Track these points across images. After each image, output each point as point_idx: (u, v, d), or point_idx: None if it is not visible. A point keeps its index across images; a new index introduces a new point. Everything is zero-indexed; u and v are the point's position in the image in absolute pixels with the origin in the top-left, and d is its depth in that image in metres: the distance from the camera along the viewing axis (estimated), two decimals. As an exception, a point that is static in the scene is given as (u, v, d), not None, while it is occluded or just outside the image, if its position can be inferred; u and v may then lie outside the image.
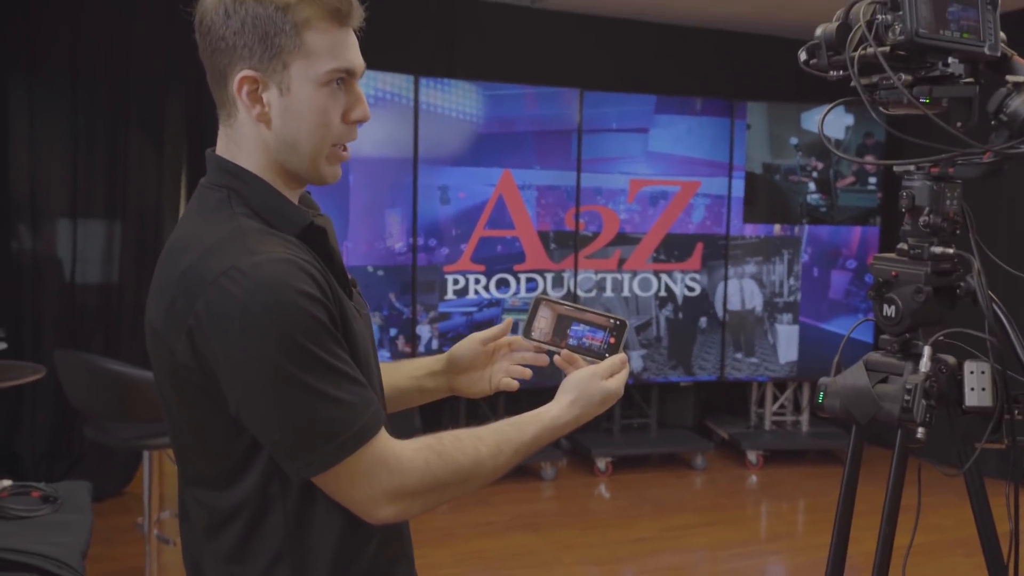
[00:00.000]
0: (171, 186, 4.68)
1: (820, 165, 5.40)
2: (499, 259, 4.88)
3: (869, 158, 5.41)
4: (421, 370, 1.49)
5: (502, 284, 4.90)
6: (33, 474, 4.18)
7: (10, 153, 4.38)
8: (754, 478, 5.27)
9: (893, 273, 1.45)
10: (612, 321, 1.32)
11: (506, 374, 1.45)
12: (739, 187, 5.31)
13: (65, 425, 4.48)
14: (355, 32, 1.20)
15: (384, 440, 1.16)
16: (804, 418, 5.72)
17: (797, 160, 5.38)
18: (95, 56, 4.45)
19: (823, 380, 1.49)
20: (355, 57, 1.19)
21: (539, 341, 1.36)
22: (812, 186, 5.41)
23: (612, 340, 1.31)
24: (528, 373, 1.45)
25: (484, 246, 4.84)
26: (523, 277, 4.95)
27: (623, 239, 5.14)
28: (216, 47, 1.15)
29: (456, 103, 4.71)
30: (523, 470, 5.12)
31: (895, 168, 1.44)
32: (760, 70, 5.71)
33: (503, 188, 4.85)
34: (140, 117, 4.58)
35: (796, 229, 5.43)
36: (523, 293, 4.95)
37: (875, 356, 1.48)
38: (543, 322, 1.35)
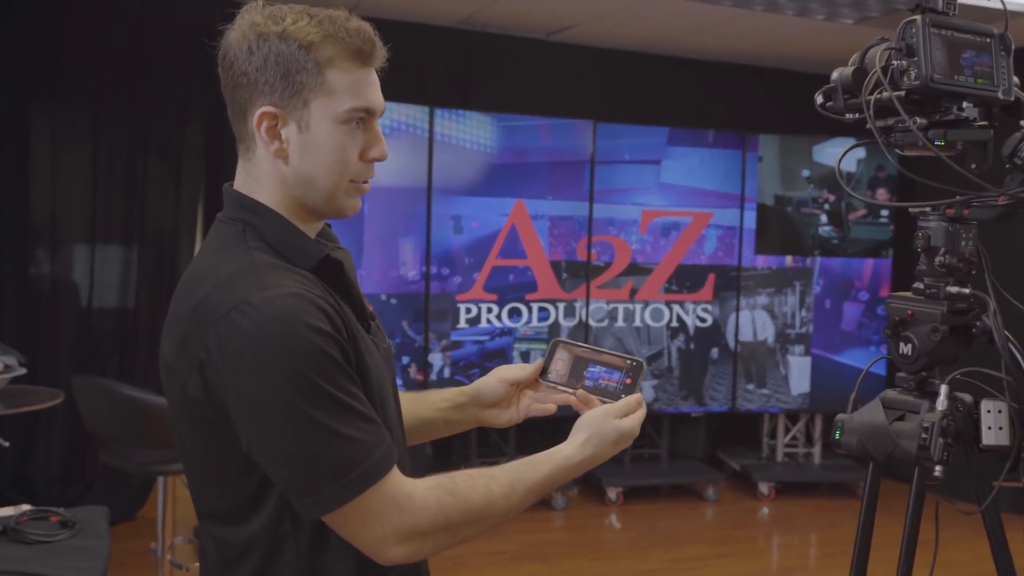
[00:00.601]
0: (188, 214, 4.72)
1: (832, 197, 5.41)
2: (511, 288, 4.90)
3: (884, 197, 5.41)
4: (446, 402, 1.45)
5: (514, 313, 4.92)
6: (47, 497, 4.19)
7: (31, 180, 4.42)
8: (766, 510, 5.24)
9: (909, 312, 1.46)
10: (628, 362, 1.30)
11: (533, 404, 1.41)
12: (751, 219, 5.32)
13: (79, 449, 4.49)
14: (377, 72, 1.20)
15: (395, 479, 1.13)
16: (816, 450, 5.69)
17: (809, 192, 5.39)
18: (116, 87, 4.50)
19: (840, 417, 1.49)
20: (375, 97, 1.19)
21: (555, 383, 1.34)
22: (824, 218, 5.42)
23: (628, 381, 1.29)
24: (552, 409, 1.41)
25: (496, 275, 4.86)
26: (535, 306, 4.96)
27: (635, 269, 5.15)
28: (238, 82, 1.16)
29: (470, 134, 4.76)
30: (534, 500, 5.11)
31: (911, 210, 1.46)
32: (772, 103, 5.75)
33: (516, 218, 4.87)
34: (159, 146, 4.62)
35: (808, 261, 5.43)
36: (535, 322, 4.96)
37: (892, 394, 1.49)
38: (560, 364, 1.34)
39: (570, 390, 1.32)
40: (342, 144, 1.16)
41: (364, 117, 1.18)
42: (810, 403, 5.48)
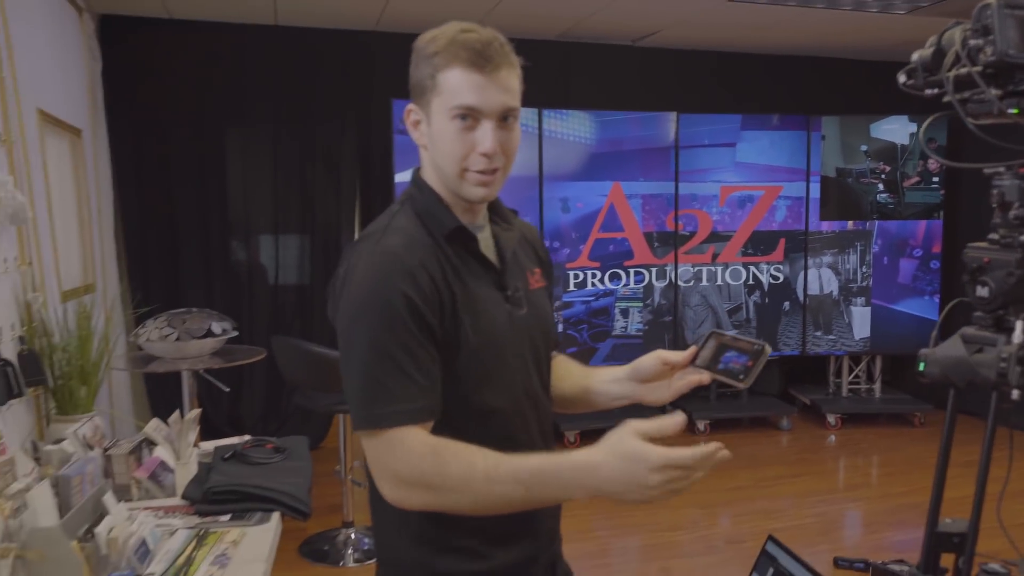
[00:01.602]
0: (347, 208, 4.83)
1: (888, 168, 5.17)
2: (611, 257, 4.88)
3: (935, 166, 5.13)
4: (609, 375, 1.32)
5: (614, 277, 4.90)
6: (253, 432, 4.42)
7: (228, 186, 4.61)
8: (833, 437, 5.11)
9: (985, 260, 1.40)
10: (754, 346, 1.17)
11: (685, 384, 1.25)
12: (816, 189, 5.14)
13: (275, 394, 4.71)
14: (508, 66, 1.15)
15: (406, 431, 1.06)
16: (877, 386, 5.50)
17: (867, 164, 5.17)
18: (289, 109, 4.63)
19: (923, 351, 1.45)
20: (481, 98, 1.11)
21: (699, 367, 1.24)
22: (881, 186, 5.19)
23: (750, 364, 1.16)
24: (689, 384, 1.25)
25: (599, 246, 4.85)
26: (632, 271, 4.93)
27: (716, 237, 5.06)
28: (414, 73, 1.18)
29: (573, 129, 4.74)
30: (634, 431, 5.12)
31: (986, 170, 1.39)
32: (832, 88, 5.52)
33: (613, 198, 4.84)
34: (323, 155, 4.74)
35: (867, 224, 5.22)
36: (632, 284, 4.94)
37: (970, 330, 1.44)
38: (707, 351, 1.23)
39: (707, 372, 1.22)
40: (453, 137, 1.13)
41: (471, 114, 1.12)
42: (871, 346, 5.29)
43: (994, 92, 1.23)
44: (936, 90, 1.29)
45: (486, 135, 1.12)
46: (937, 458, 1.43)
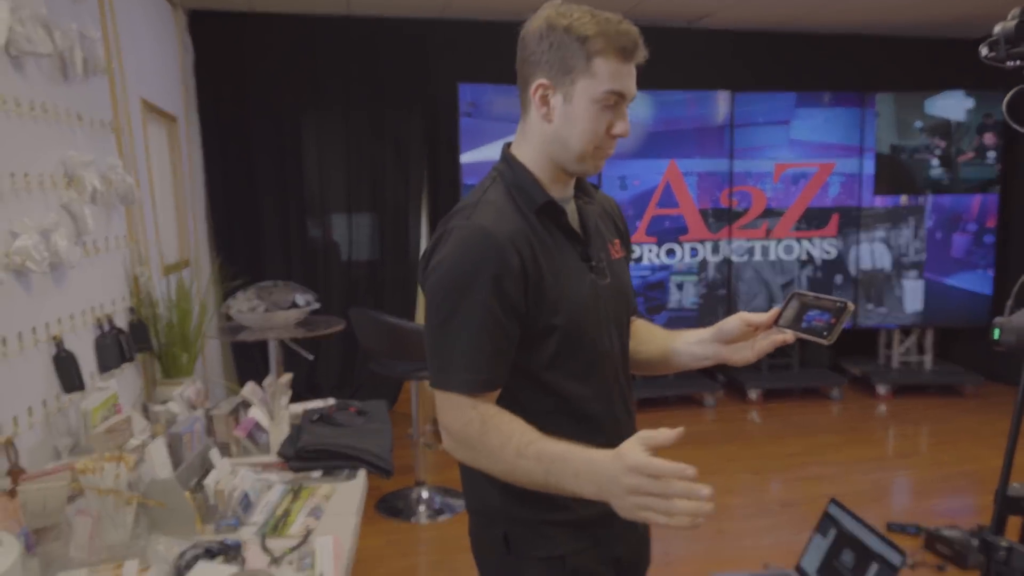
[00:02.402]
0: (415, 188, 4.85)
1: (943, 143, 4.97)
2: (667, 232, 4.82)
3: (991, 141, 4.90)
4: (694, 337, 1.29)
5: (670, 252, 4.85)
6: (330, 397, 4.55)
7: (304, 169, 4.69)
8: (883, 407, 4.98)
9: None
10: (837, 304, 1.13)
11: (768, 344, 1.20)
12: (870, 166, 4.97)
13: (348, 362, 4.82)
14: (637, 66, 1.17)
15: (464, 397, 1.13)
16: (928, 358, 5.33)
17: (922, 140, 4.97)
18: (360, 95, 4.67)
19: (998, 320, 1.39)
20: (629, 85, 1.16)
21: (782, 327, 1.19)
22: (935, 162, 4.99)
23: (833, 321, 1.12)
24: (776, 343, 1.21)
25: (655, 222, 4.80)
26: (687, 246, 4.87)
27: (770, 213, 4.94)
28: (527, 59, 1.18)
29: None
30: (688, 399, 5.08)
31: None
32: (886, 65, 5.30)
33: (670, 175, 4.77)
34: (392, 138, 4.76)
35: (920, 199, 5.03)
36: (687, 259, 4.87)
37: (1045, 300, 1.39)
38: (790, 311, 1.19)
39: (791, 331, 1.18)
40: (595, 117, 1.16)
41: (617, 100, 1.16)
42: (923, 319, 5.12)
43: (1077, 63, 1.17)
44: (1019, 61, 1.23)
45: (624, 119, 1.18)
46: (1010, 424, 1.39)
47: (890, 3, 4.52)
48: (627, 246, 1.39)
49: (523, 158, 1.23)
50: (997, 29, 1.24)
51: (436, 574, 2.92)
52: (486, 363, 1.13)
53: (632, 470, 0.96)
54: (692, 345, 1.29)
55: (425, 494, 3.55)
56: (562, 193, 1.25)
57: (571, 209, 1.27)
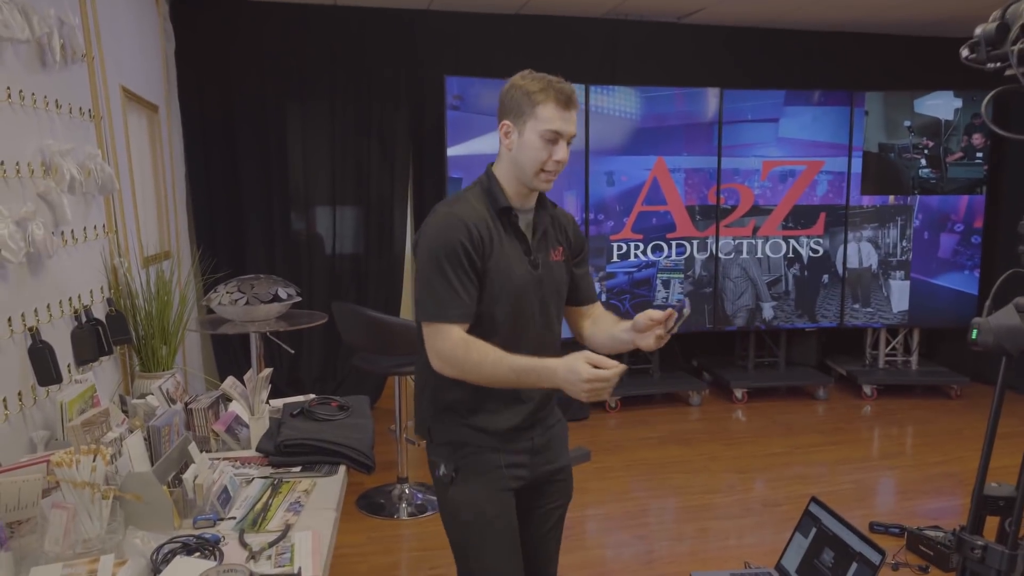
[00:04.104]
0: (400, 183, 4.85)
1: (931, 143, 5.02)
2: (654, 229, 4.85)
3: (979, 142, 4.96)
4: (623, 326, 1.74)
5: (657, 249, 4.87)
6: (311, 392, 4.54)
7: (289, 161, 4.67)
8: (868, 407, 5.05)
9: (1043, 229, 1.36)
10: (682, 309, 1.63)
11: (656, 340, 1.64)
12: (858, 164, 5.02)
13: (331, 357, 4.82)
14: (576, 107, 1.62)
15: (449, 327, 1.59)
16: (913, 358, 5.40)
17: (910, 140, 5.02)
18: (346, 86, 4.66)
19: (976, 319, 1.42)
20: (566, 127, 1.60)
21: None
22: (923, 162, 5.05)
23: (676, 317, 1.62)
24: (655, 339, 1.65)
25: (642, 219, 4.82)
26: (674, 243, 4.90)
27: (757, 210, 4.98)
28: (500, 106, 1.66)
29: (618, 104, 4.70)
30: (673, 398, 5.12)
31: (1044, 141, 1.36)
32: (876, 64, 5.36)
33: (657, 172, 4.80)
34: (377, 131, 4.76)
35: (908, 199, 5.09)
36: (674, 256, 4.90)
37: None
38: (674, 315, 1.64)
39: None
40: (540, 148, 1.61)
41: (555, 136, 1.60)
42: (909, 319, 5.19)
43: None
44: (998, 64, 1.25)
45: (562, 151, 1.63)
46: (988, 423, 1.41)
47: (881, 2, 4.57)
48: (574, 253, 1.84)
49: (498, 174, 1.71)
50: (978, 31, 1.26)
51: (417, 571, 2.94)
52: (461, 303, 1.60)
53: (588, 380, 1.46)
54: (621, 332, 1.73)
55: (407, 490, 3.56)
56: (523, 204, 1.72)
57: (527, 217, 1.74)
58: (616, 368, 1.45)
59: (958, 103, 4.94)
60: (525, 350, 1.61)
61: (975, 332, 1.39)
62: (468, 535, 1.75)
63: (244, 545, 1.63)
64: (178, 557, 1.50)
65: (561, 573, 2.86)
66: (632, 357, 5.03)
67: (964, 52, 1.29)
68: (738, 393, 5.09)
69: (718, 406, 5.06)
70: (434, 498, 3.55)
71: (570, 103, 1.60)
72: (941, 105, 4.96)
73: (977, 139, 4.99)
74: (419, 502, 3.51)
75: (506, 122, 1.63)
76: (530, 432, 1.74)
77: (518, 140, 1.62)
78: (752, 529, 3.27)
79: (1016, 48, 1.19)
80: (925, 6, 4.61)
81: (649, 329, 1.63)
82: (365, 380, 4.79)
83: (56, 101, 2.20)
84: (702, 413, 4.94)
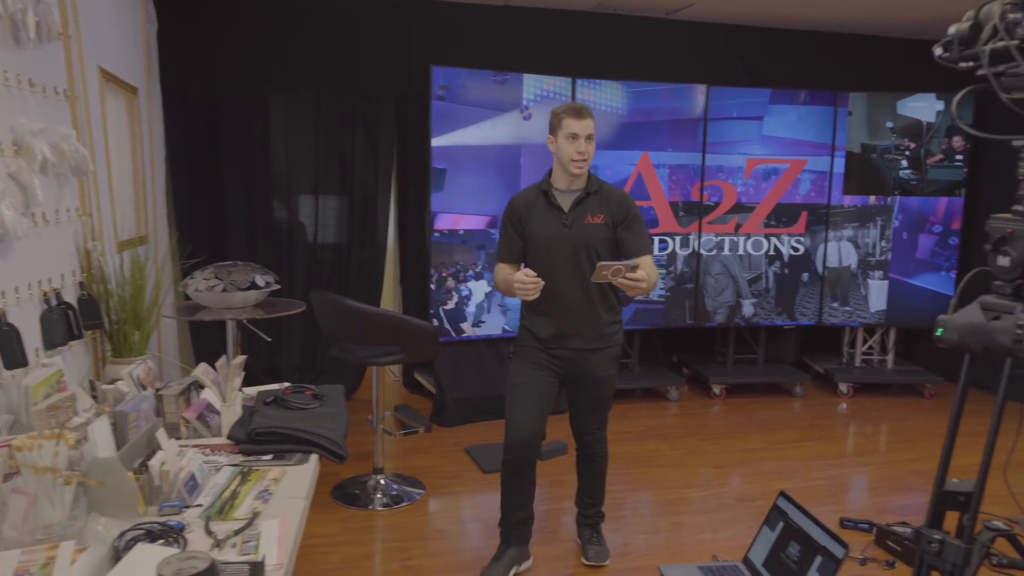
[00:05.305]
0: (384, 171, 4.81)
1: (912, 145, 5.05)
2: (637, 224, 4.84)
3: (960, 144, 5.00)
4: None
5: (639, 244, 4.86)
6: (289, 382, 4.49)
7: (272, 149, 4.61)
8: (845, 405, 5.08)
9: (1009, 230, 1.37)
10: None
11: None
12: (840, 164, 5.04)
13: (311, 346, 4.78)
14: (590, 117, 2.58)
15: (500, 265, 2.69)
16: (890, 357, 5.44)
17: (892, 141, 5.05)
18: (331, 76, 4.61)
19: (941, 317, 1.43)
20: (581, 128, 2.55)
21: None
22: (904, 163, 5.07)
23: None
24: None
25: (625, 214, 4.81)
26: (657, 239, 4.90)
27: (740, 208, 4.99)
28: (550, 124, 2.65)
29: (605, 98, 4.68)
30: (652, 392, 5.13)
31: (1015, 142, 1.35)
32: (860, 65, 5.38)
33: (642, 167, 4.79)
34: (362, 121, 4.71)
35: (889, 199, 5.11)
36: (656, 252, 4.90)
37: (989, 298, 1.41)
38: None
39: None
40: (566, 146, 2.58)
41: (575, 136, 2.56)
42: (886, 318, 5.22)
43: (1029, 66, 1.19)
44: (971, 63, 1.25)
45: (582, 144, 2.56)
46: (949, 420, 1.42)
47: (869, 4, 4.58)
48: (614, 219, 2.60)
49: (553, 170, 2.68)
50: (951, 30, 1.26)
51: (391, 562, 2.92)
52: (509, 250, 2.69)
53: (518, 280, 2.43)
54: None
55: (383, 481, 3.54)
56: (567, 186, 2.63)
57: (571, 195, 2.62)
58: (535, 281, 2.41)
59: (940, 105, 4.97)
60: (560, 287, 2.55)
61: (940, 330, 1.39)
62: (507, 392, 2.68)
63: (209, 532, 1.60)
64: (140, 544, 1.48)
65: (535, 564, 2.86)
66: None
67: (937, 51, 1.29)
68: (716, 389, 5.11)
69: (696, 402, 5.08)
70: (410, 489, 3.56)
71: (581, 114, 2.55)
72: (923, 107, 4.98)
73: (957, 141, 5.03)
74: (394, 492, 3.49)
75: (550, 136, 2.62)
76: (555, 343, 2.64)
77: (556, 144, 2.60)
78: (726, 523, 3.29)
79: (988, 48, 1.18)
80: (913, 9, 4.62)
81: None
82: (345, 369, 4.76)
83: (30, 80, 2.15)
84: (680, 408, 4.95)
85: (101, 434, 1.71)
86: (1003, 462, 1.54)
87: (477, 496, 3.53)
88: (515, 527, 2.73)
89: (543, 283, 2.37)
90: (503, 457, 2.66)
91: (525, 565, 2.79)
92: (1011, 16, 1.15)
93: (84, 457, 1.65)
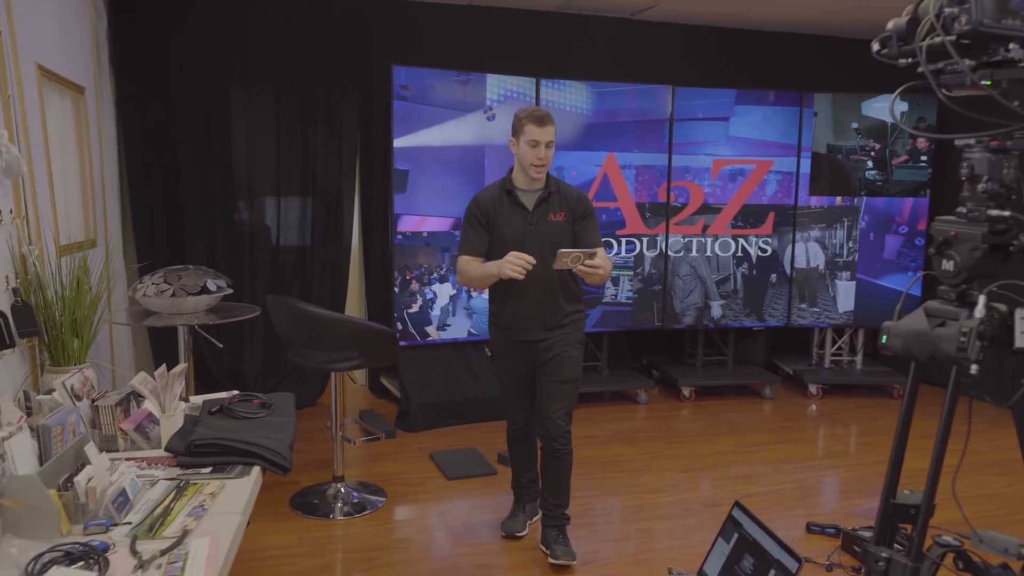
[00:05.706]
0: (348, 170, 4.73)
1: (877, 145, 5.07)
2: (604, 225, 4.79)
3: (923, 145, 5.03)
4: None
5: (607, 246, 4.84)
6: (252, 387, 4.39)
7: (232, 147, 4.51)
8: (814, 407, 5.08)
9: (952, 233, 1.34)
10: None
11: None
12: (806, 165, 5.04)
13: (275, 351, 4.69)
14: (551, 124, 2.75)
15: (465, 258, 2.82)
16: (859, 358, 5.46)
17: (857, 142, 5.06)
18: (292, 72, 4.53)
19: (886, 324, 1.40)
20: (541, 136, 2.71)
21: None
22: (870, 164, 5.09)
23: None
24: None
25: (592, 215, 4.78)
26: (624, 240, 4.87)
27: (707, 209, 4.98)
28: (512, 127, 2.81)
29: (570, 99, 4.64)
30: (621, 395, 5.10)
31: (956, 142, 1.33)
32: (825, 66, 5.40)
33: (608, 168, 4.76)
34: (324, 118, 4.64)
35: (855, 200, 5.13)
36: (623, 253, 4.87)
37: (934, 304, 1.38)
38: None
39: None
40: (527, 151, 2.74)
41: (535, 143, 2.72)
42: (854, 319, 5.24)
43: (967, 63, 1.16)
44: (909, 60, 1.21)
45: (539, 153, 2.73)
46: (896, 430, 1.39)
47: (834, 5, 4.58)
48: (574, 217, 2.84)
49: (513, 170, 2.84)
50: (890, 25, 1.23)
51: (351, 573, 2.85)
52: (473, 247, 2.82)
53: (511, 259, 2.60)
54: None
55: (343, 489, 3.47)
56: (529, 186, 2.82)
57: (533, 195, 2.81)
58: (527, 258, 2.59)
59: (904, 106, 4.99)
60: (527, 281, 2.65)
61: (884, 337, 1.36)
62: (499, 388, 3.20)
63: (134, 553, 1.53)
64: (55, 567, 1.40)
65: (499, 572, 2.81)
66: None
67: (875, 47, 1.25)
68: (686, 392, 5.09)
69: (665, 404, 5.05)
70: (372, 497, 3.49)
71: (543, 122, 2.71)
72: (887, 108, 5.00)
73: (922, 142, 5.06)
74: (355, 501, 3.42)
75: (512, 139, 2.79)
76: (522, 332, 2.87)
77: (518, 148, 2.77)
78: (693, 529, 3.25)
79: (924, 44, 1.15)
80: (875, 11, 4.64)
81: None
82: (308, 375, 4.68)
83: (-45, 77, 2.06)
84: (649, 411, 4.92)
85: (20, 450, 1.63)
86: (953, 470, 1.51)
87: (442, 503, 3.47)
88: (525, 486, 3.19)
89: (535, 260, 2.58)
90: (507, 429, 3.14)
91: (536, 518, 3.21)
92: (948, 11, 1.12)
93: (4, 475, 1.57)
